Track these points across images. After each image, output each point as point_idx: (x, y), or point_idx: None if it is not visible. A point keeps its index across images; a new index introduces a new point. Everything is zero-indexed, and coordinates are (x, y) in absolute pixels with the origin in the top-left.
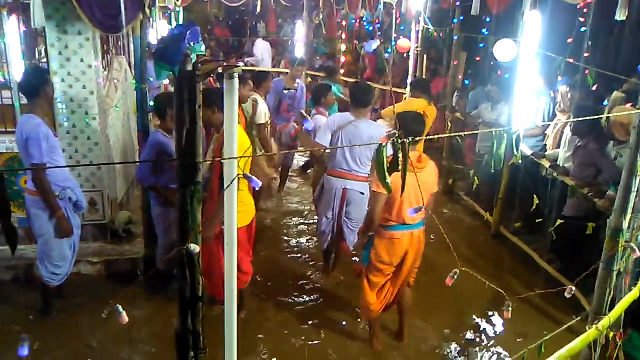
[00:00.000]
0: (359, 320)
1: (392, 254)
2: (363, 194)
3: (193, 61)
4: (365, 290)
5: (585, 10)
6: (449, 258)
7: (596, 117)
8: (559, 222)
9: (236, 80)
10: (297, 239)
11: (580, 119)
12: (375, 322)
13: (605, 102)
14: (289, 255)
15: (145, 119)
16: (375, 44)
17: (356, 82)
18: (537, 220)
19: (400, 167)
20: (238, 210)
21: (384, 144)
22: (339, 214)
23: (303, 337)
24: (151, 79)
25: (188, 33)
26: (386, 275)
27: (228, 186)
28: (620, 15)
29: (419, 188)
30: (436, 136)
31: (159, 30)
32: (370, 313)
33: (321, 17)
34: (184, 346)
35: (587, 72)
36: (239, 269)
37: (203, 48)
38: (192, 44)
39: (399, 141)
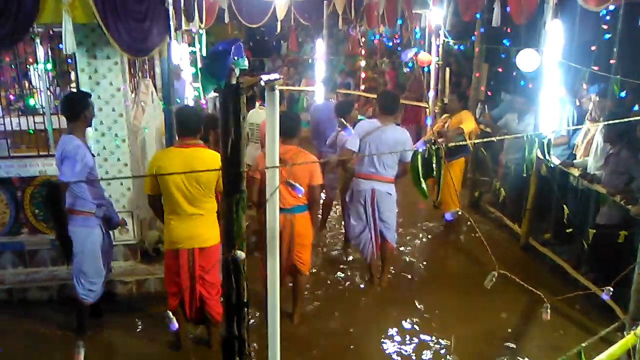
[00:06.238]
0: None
1: None
2: (390, 194)
3: (237, 75)
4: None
5: (608, 18)
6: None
7: (623, 120)
8: (592, 231)
9: (277, 92)
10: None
11: (611, 122)
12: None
13: (635, 108)
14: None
15: (173, 139)
16: (411, 53)
17: (383, 91)
18: (567, 230)
19: (435, 173)
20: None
21: (418, 150)
22: (374, 217)
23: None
24: (178, 100)
25: (233, 48)
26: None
27: (271, 194)
28: None
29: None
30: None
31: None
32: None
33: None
34: (230, 351)
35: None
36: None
37: (246, 62)
38: (236, 58)
39: (434, 148)
